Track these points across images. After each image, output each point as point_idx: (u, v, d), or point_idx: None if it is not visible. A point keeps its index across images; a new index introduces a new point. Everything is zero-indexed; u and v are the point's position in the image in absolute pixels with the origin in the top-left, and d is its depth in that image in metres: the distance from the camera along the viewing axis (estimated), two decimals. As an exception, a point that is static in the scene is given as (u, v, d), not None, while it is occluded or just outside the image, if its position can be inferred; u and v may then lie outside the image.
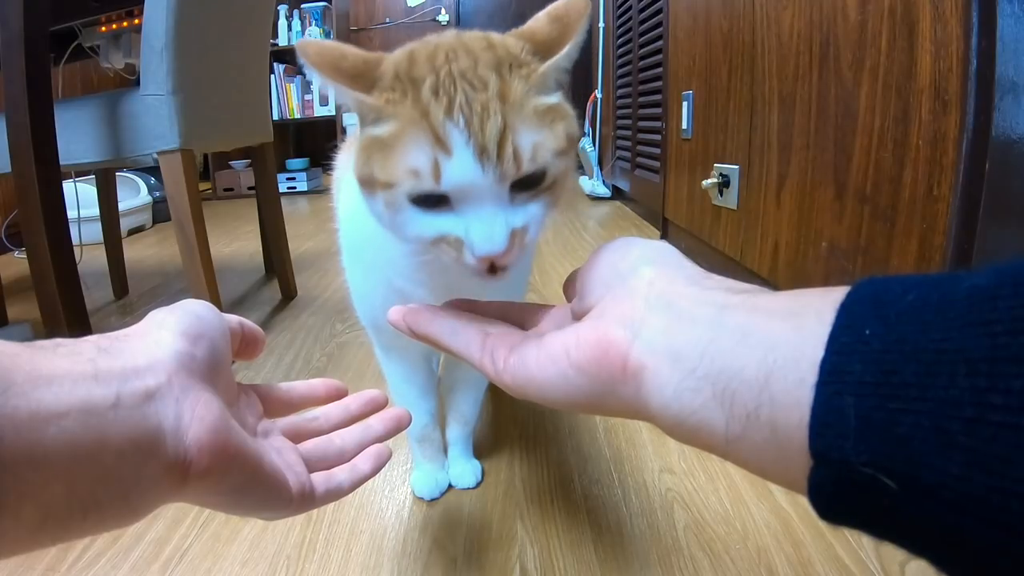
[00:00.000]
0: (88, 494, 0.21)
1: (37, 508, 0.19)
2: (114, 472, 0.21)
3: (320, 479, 0.32)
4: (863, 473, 0.16)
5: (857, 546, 0.57)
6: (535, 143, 0.32)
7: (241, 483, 0.26)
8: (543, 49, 0.34)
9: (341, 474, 0.34)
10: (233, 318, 0.33)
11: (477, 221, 0.32)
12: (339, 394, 0.39)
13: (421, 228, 0.34)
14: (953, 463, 0.15)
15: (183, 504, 0.74)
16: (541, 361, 0.27)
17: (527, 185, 0.33)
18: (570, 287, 0.33)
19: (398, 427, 0.39)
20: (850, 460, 0.16)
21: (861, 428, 0.16)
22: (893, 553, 0.56)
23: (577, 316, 0.30)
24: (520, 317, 0.36)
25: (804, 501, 0.61)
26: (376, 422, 0.38)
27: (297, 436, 0.35)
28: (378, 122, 0.33)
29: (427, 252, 0.36)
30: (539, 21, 0.36)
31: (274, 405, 0.36)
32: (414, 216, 0.33)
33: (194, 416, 0.24)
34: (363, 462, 0.35)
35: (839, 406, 0.17)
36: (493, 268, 0.33)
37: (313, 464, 0.33)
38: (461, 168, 0.31)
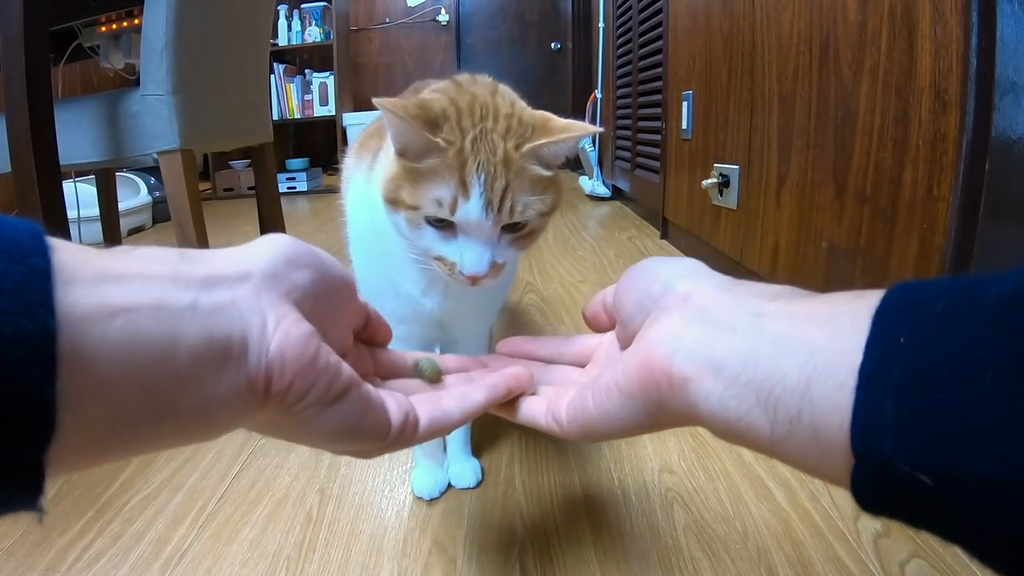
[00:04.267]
0: (161, 395, 0.19)
1: (105, 407, 0.18)
2: (189, 373, 0.20)
3: (425, 408, 0.30)
4: (901, 471, 0.17)
5: (857, 546, 0.57)
6: (526, 202, 0.44)
7: (330, 400, 0.24)
8: (543, 131, 0.44)
9: (449, 401, 0.31)
10: (362, 298, 0.32)
11: (468, 251, 0.44)
12: (473, 366, 0.37)
13: (430, 243, 0.45)
14: (983, 461, 0.16)
15: (183, 504, 0.74)
16: (598, 401, 0.28)
17: (512, 228, 0.45)
18: (592, 313, 0.35)
19: (516, 385, 0.34)
20: (890, 459, 0.18)
21: (899, 429, 0.17)
22: (893, 553, 0.56)
23: (623, 342, 0.32)
24: (577, 353, 0.37)
25: (804, 501, 0.61)
26: (481, 375, 0.35)
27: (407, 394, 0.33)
28: (424, 157, 0.43)
29: (428, 262, 0.46)
30: (562, 119, 0.46)
31: (390, 371, 0.35)
32: (428, 232, 0.44)
33: (279, 329, 0.23)
34: (475, 392, 0.32)
35: (878, 409, 0.18)
36: (474, 281, 0.45)
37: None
38: (471, 209, 0.42)
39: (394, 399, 0.29)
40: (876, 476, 0.18)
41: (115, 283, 0.19)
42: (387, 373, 0.35)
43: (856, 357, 0.19)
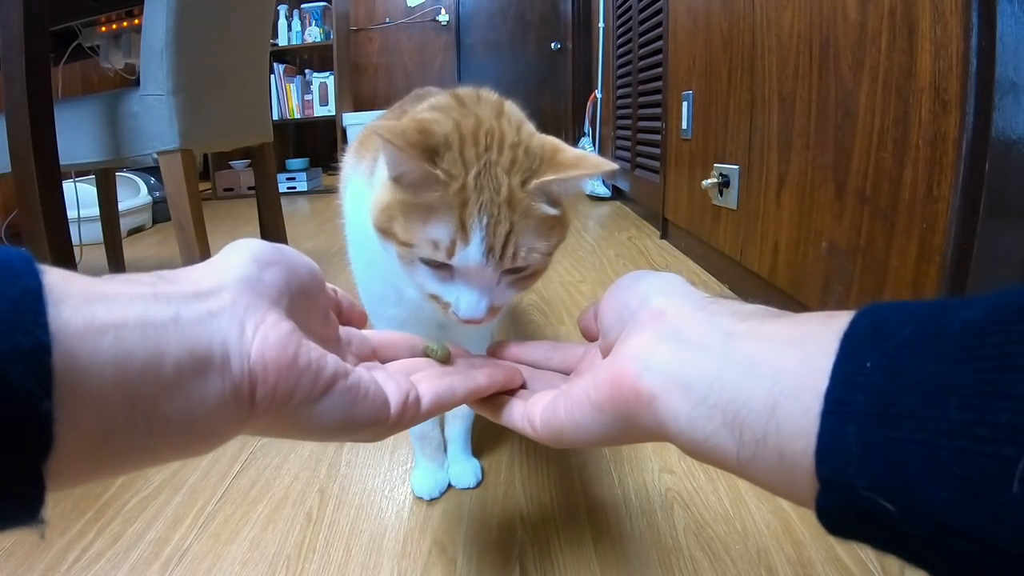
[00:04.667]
0: (150, 407, 0.20)
1: (97, 418, 0.19)
2: (175, 385, 0.21)
3: (429, 385, 0.31)
4: (865, 496, 0.18)
5: (857, 546, 0.57)
6: (530, 246, 0.39)
7: (316, 397, 0.25)
8: (552, 165, 0.40)
9: (453, 378, 0.33)
10: (329, 285, 0.33)
11: (467, 294, 0.40)
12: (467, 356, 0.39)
13: (424, 282, 0.41)
14: (945, 489, 0.16)
15: (183, 504, 0.74)
16: (569, 409, 0.29)
17: (513, 270, 0.41)
18: (585, 323, 0.36)
19: (511, 377, 0.36)
20: (853, 484, 0.18)
21: (862, 455, 0.18)
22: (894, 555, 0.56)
23: (603, 353, 0.32)
24: (563, 361, 0.38)
25: (804, 501, 0.59)
26: (481, 362, 0.38)
27: (409, 373, 0.34)
28: (421, 189, 0.38)
29: (424, 297, 0.43)
30: (573, 151, 0.42)
31: (398, 354, 0.36)
32: (422, 271, 0.41)
33: (258, 333, 0.23)
34: (478, 374, 0.34)
35: (842, 434, 0.18)
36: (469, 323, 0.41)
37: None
38: (471, 255, 0.38)
39: (393, 381, 0.29)
40: (840, 501, 0.18)
41: (102, 302, 0.19)
42: (392, 357, 0.36)
43: (822, 381, 0.19)
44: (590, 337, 0.36)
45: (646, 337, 0.26)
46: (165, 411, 0.20)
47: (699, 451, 0.23)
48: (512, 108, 0.44)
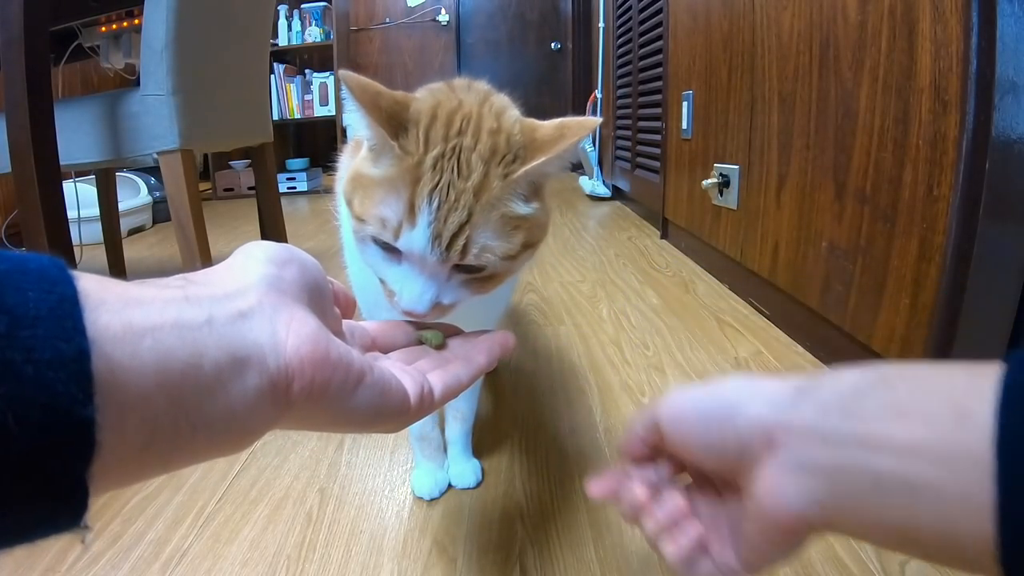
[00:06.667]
0: (193, 407, 0.20)
1: (142, 422, 0.19)
2: (215, 384, 0.21)
3: (437, 375, 0.33)
4: None
5: (857, 546, 0.57)
6: (485, 245, 0.37)
7: (350, 390, 0.26)
8: (534, 148, 0.38)
9: (457, 368, 0.34)
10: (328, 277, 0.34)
11: (409, 284, 0.38)
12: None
13: (374, 263, 0.40)
14: None
15: (183, 504, 0.74)
16: (748, 559, 0.29)
17: (467, 269, 0.38)
18: (633, 447, 0.35)
19: (506, 344, 0.37)
20: None
21: None
22: (893, 553, 0.56)
23: (695, 479, 0.33)
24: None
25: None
26: (475, 335, 0.39)
27: (410, 362, 0.35)
28: (382, 161, 0.37)
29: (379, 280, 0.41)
30: (551, 123, 0.39)
31: (394, 343, 0.37)
32: (373, 251, 0.39)
33: (290, 331, 0.24)
34: (477, 355, 0.35)
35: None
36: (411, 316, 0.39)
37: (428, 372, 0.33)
38: (416, 240, 0.36)
39: (407, 374, 0.30)
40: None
41: (138, 306, 0.20)
42: (390, 345, 0.37)
43: (986, 498, 0.19)
44: (637, 459, 0.35)
45: (773, 473, 0.26)
46: (207, 411, 0.21)
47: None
48: (499, 98, 0.42)
